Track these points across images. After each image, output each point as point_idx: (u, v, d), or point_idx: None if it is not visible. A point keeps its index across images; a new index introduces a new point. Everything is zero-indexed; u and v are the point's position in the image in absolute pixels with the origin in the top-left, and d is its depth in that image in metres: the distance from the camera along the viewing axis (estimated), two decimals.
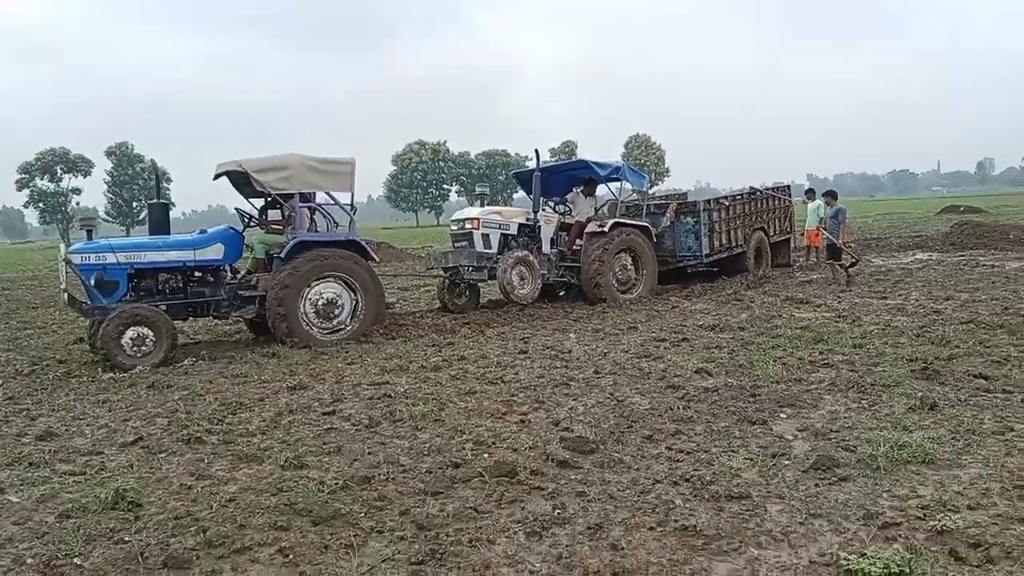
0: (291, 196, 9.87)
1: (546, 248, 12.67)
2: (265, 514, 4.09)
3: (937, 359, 6.78)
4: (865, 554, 3.23)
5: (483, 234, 12.22)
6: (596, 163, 13.32)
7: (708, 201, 14.56)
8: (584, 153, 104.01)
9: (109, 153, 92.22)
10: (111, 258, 9.06)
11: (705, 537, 3.53)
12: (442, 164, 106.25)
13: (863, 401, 5.76)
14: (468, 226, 12.38)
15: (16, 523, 4.15)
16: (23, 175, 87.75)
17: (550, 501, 4.17)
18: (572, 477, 4.52)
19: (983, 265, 14.48)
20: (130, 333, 8.51)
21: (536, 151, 13.81)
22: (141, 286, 9.41)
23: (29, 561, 3.65)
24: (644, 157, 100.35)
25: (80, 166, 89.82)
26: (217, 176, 10.43)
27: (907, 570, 3.08)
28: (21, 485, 4.77)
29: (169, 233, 9.97)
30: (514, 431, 5.40)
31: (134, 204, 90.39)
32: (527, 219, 12.60)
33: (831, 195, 15.64)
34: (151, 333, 8.60)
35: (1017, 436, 4.72)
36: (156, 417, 6.33)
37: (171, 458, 5.21)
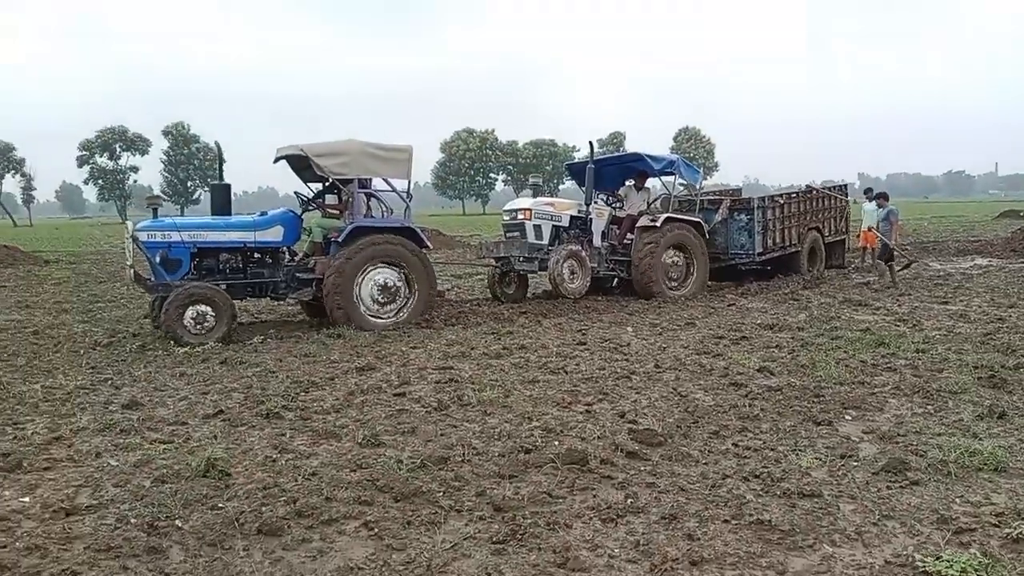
0: (350, 181, 10.04)
1: (597, 241, 12.68)
2: (349, 489, 4.29)
3: (1004, 367, 6.73)
4: (940, 557, 3.30)
5: (535, 225, 12.26)
6: (650, 156, 13.28)
7: (763, 198, 14.43)
8: (632, 145, 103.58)
9: (166, 133, 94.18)
10: (175, 237, 9.34)
11: (780, 532, 3.62)
12: (489, 152, 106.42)
13: (929, 407, 5.77)
14: (520, 216, 12.44)
15: (116, 485, 4.40)
16: (83, 152, 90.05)
17: (621, 490, 4.29)
18: (641, 468, 4.64)
19: None
20: (191, 311, 8.76)
21: (591, 143, 13.87)
22: (203, 265, 9.66)
23: (133, 521, 3.89)
24: (693, 151, 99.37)
25: (138, 144, 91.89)
26: (277, 159, 10.64)
27: (983, 572, 3.14)
28: (116, 450, 5.04)
29: (231, 214, 10.25)
30: (580, 420, 5.53)
31: (189, 184, 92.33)
32: (579, 211, 12.62)
33: (883, 196, 15.43)
34: (211, 311, 8.85)
35: None
36: (232, 392, 6.60)
37: (252, 431, 5.44)
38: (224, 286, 9.29)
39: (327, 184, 10.72)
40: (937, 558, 3.29)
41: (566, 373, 7.07)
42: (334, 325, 9.47)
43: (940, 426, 5.26)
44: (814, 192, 15.90)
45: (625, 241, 12.88)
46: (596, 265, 12.44)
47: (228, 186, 10.67)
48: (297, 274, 9.91)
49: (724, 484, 4.29)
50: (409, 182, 10.53)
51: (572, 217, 12.57)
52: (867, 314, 10.17)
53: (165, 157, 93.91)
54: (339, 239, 9.70)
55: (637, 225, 12.68)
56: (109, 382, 7.01)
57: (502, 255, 12.43)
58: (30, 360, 8.07)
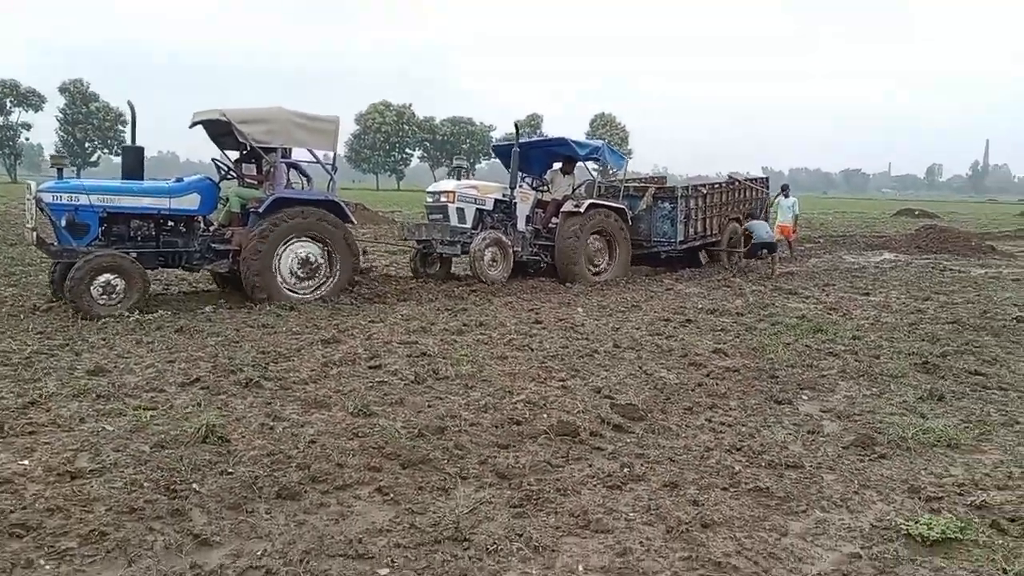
0: (272, 150, 9.72)
1: (521, 225, 12.61)
2: (356, 455, 4.39)
3: (932, 355, 7.30)
4: (919, 521, 3.66)
5: (458, 208, 12.15)
6: (576, 142, 13.33)
7: (686, 188, 14.71)
8: (549, 128, 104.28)
9: (63, 90, 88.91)
10: (84, 199, 8.78)
11: (777, 499, 3.94)
12: (406, 128, 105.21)
13: (874, 389, 6.25)
14: (443, 199, 12.30)
15: (115, 450, 4.37)
16: None
17: (614, 461, 4.53)
18: (628, 440, 4.90)
19: (950, 269, 15.23)
20: (100, 280, 8.28)
21: (516, 124, 13.64)
22: (112, 231, 9.13)
23: (147, 485, 3.89)
24: (608, 136, 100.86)
25: (31, 100, 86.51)
26: (193, 124, 10.20)
27: (960, 536, 3.51)
28: (100, 416, 4.97)
29: (143, 179, 9.69)
30: (559, 395, 5.74)
31: (87, 144, 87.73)
32: (503, 195, 12.53)
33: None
34: (122, 281, 8.41)
35: None
36: (199, 360, 6.53)
37: (235, 400, 5.44)
38: (135, 254, 8.84)
39: (245, 153, 10.37)
40: (916, 522, 3.66)
41: (531, 350, 7.27)
42: (252, 299, 9.22)
43: (889, 406, 5.73)
44: (736, 183, 16.26)
45: (550, 225, 12.89)
46: (520, 249, 12.39)
47: (141, 149, 10.07)
48: (213, 244, 9.53)
49: (711, 456, 4.59)
50: (335, 154, 10.33)
51: (496, 200, 12.48)
52: (798, 302, 10.77)
53: (61, 115, 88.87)
54: (259, 210, 9.35)
55: (561, 210, 12.71)
56: (67, 347, 6.81)
57: (424, 238, 12.30)
58: None
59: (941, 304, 10.60)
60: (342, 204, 9.99)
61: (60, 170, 9.42)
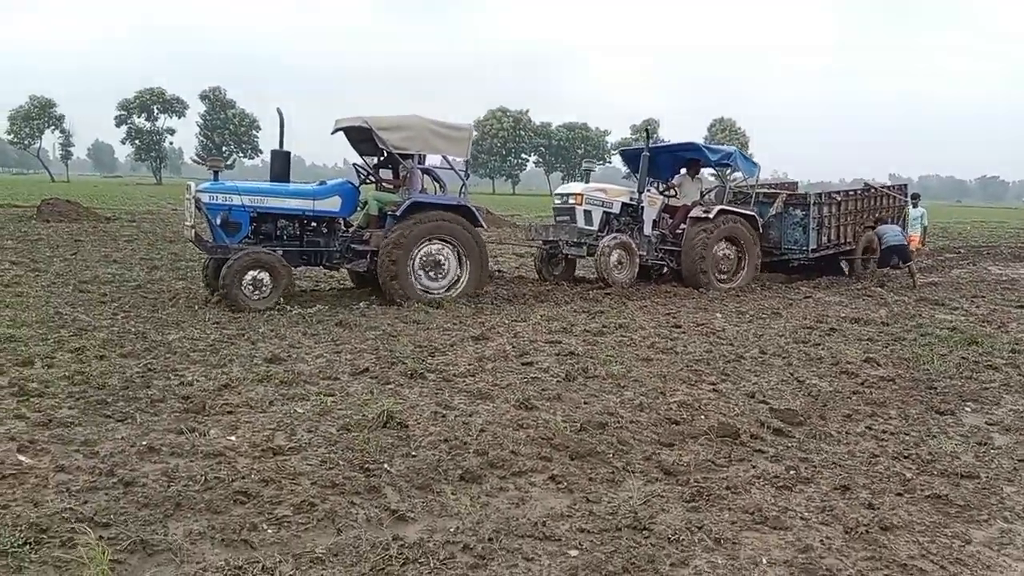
0: (409, 156, 10.13)
1: (647, 229, 12.60)
2: (526, 445, 4.62)
3: None
4: None
5: (585, 210, 12.22)
6: (707, 147, 13.22)
7: (819, 195, 14.27)
8: (665, 133, 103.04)
9: (203, 97, 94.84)
10: (237, 200, 9.39)
11: (957, 507, 3.91)
12: (523, 133, 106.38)
13: None
14: (571, 201, 12.40)
15: (308, 431, 4.76)
16: (122, 111, 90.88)
17: (778, 463, 4.58)
18: (789, 444, 4.93)
19: None
20: (251, 275, 8.85)
21: (647, 130, 13.71)
22: (262, 230, 9.74)
23: (342, 463, 4.23)
24: (727, 142, 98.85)
25: (175, 107, 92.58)
26: (335, 131, 10.70)
27: None
28: (287, 399, 5.40)
29: (289, 181, 10.27)
30: (712, 398, 5.82)
31: (224, 148, 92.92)
32: (631, 198, 12.53)
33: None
34: (269, 277, 8.96)
35: None
36: (363, 352, 6.94)
37: (403, 390, 5.78)
38: (281, 252, 9.42)
39: (383, 158, 10.83)
40: None
41: (676, 353, 7.35)
42: (387, 297, 9.61)
43: None
44: (872, 190, 15.70)
45: (677, 231, 12.84)
46: (645, 254, 12.38)
47: (288, 153, 10.59)
48: (352, 245, 10.01)
49: (878, 462, 4.57)
50: (467, 161, 10.65)
51: (623, 204, 12.49)
52: (946, 314, 10.37)
53: (201, 121, 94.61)
54: (396, 213, 9.76)
55: (690, 215, 12.59)
56: (243, 337, 7.37)
57: (551, 239, 12.44)
58: (152, 312, 8.45)
59: None
60: (473, 209, 10.32)
61: (216, 172, 10.10)
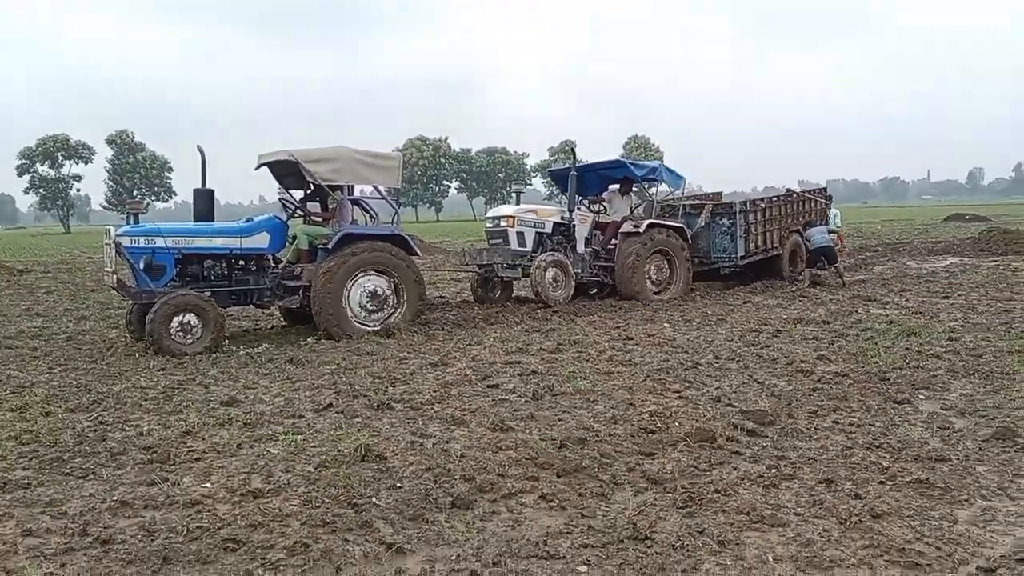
0: (338, 188, 9.98)
1: (580, 247, 12.75)
2: (511, 467, 4.58)
3: None
4: None
5: (518, 232, 12.28)
6: (633, 163, 13.50)
7: (744, 203, 14.63)
8: (583, 153, 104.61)
9: (110, 141, 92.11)
10: (160, 242, 9.10)
11: (939, 489, 4.04)
12: (443, 160, 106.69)
13: (988, 386, 6.29)
14: (503, 224, 12.45)
15: (284, 471, 4.61)
16: (24, 160, 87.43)
17: (757, 463, 4.66)
18: (764, 444, 5.02)
19: (1022, 270, 15.04)
20: (178, 319, 8.55)
21: (572, 149, 13.97)
22: (188, 272, 9.45)
23: (327, 501, 4.12)
24: (643, 158, 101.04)
25: (81, 153, 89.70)
26: (259, 166, 10.44)
27: None
28: (254, 441, 5.23)
29: (213, 220, 9.99)
30: (681, 405, 5.88)
31: (135, 193, 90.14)
32: (562, 218, 12.68)
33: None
34: (198, 320, 8.65)
35: None
36: (322, 388, 6.79)
37: (373, 422, 5.67)
38: (209, 293, 9.13)
39: (310, 191, 10.66)
40: None
41: (635, 365, 7.42)
42: (325, 333, 9.34)
43: (1011, 402, 5.77)
44: (795, 195, 16.18)
45: (609, 247, 12.99)
46: (580, 271, 12.53)
47: (211, 192, 10.32)
48: (283, 281, 9.80)
49: (853, 454, 4.70)
50: (398, 189, 10.54)
51: (555, 224, 12.64)
52: (880, 308, 10.78)
53: (110, 166, 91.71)
54: (328, 246, 9.53)
55: (620, 231, 12.81)
56: (193, 382, 7.13)
57: (485, 262, 12.45)
58: (90, 364, 8.10)
59: None
60: (407, 237, 10.14)
61: (136, 215, 9.72)
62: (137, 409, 6.18)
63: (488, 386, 6.66)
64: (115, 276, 9.04)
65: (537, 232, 12.50)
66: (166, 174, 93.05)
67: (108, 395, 6.60)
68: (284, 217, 10.35)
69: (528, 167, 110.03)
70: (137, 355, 8.53)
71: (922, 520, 3.69)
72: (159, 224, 9.73)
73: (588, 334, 9.27)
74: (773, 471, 4.47)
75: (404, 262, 9.96)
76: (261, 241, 9.72)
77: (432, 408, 6.01)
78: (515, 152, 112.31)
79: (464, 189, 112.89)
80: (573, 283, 12.22)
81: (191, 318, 8.62)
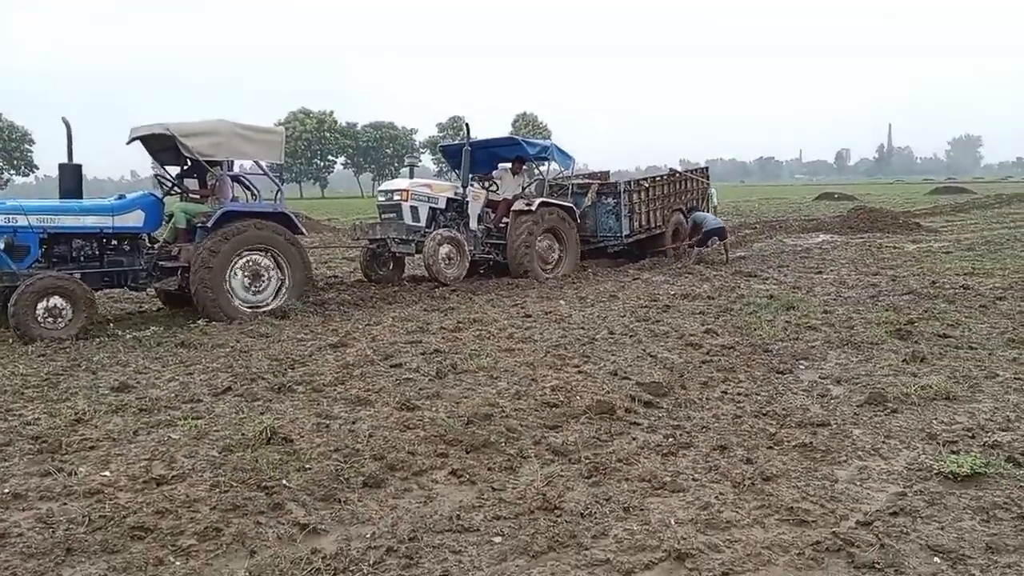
0: (217, 164, 9.61)
1: (473, 224, 12.81)
2: (420, 444, 4.64)
3: (901, 323, 7.90)
4: (946, 461, 4.13)
5: (412, 206, 12.21)
6: (526, 141, 13.65)
7: (629, 182, 15.03)
8: (476, 130, 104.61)
9: None
10: (22, 220, 8.50)
11: (820, 451, 4.37)
12: (328, 135, 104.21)
13: (860, 355, 6.79)
14: (397, 198, 12.32)
15: (187, 456, 4.51)
16: None
17: (654, 433, 4.90)
18: (660, 415, 5.28)
19: (886, 246, 16.16)
20: (44, 303, 8.06)
21: (466, 125, 13.81)
22: (54, 252, 8.88)
23: (235, 485, 4.07)
24: (531, 136, 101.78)
25: None
26: (131, 140, 9.92)
27: (986, 471, 3.99)
28: (151, 427, 5.08)
29: (82, 197, 9.43)
30: (580, 379, 6.08)
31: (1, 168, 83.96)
32: (456, 194, 12.70)
33: None
34: (67, 304, 8.18)
35: (1007, 380, 5.81)
36: (217, 371, 6.63)
37: (275, 405, 5.60)
38: (79, 275, 8.60)
39: (187, 167, 10.17)
40: (943, 462, 4.12)
41: (534, 342, 7.59)
42: (205, 316, 8.99)
43: (880, 369, 6.25)
44: (677, 175, 16.70)
45: (501, 225, 13.09)
46: (472, 248, 12.57)
47: (79, 167, 9.71)
48: (160, 262, 9.33)
49: (743, 421, 5.00)
50: (281, 165, 10.24)
51: (448, 200, 12.65)
52: (760, 283, 11.38)
53: None
54: (208, 224, 9.16)
55: (512, 209, 12.95)
56: (79, 367, 6.82)
57: (377, 237, 12.29)
58: None
59: (891, 278, 11.35)
60: (291, 215, 9.86)
61: None
62: (19, 398, 5.87)
63: (391, 366, 6.68)
64: None
65: (431, 207, 12.46)
66: (26, 146, 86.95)
67: None
68: (159, 194, 9.82)
69: (416, 143, 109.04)
70: (11, 341, 8.06)
71: (807, 481, 4.00)
72: (21, 201, 9.05)
73: (487, 312, 9.38)
74: (670, 440, 4.71)
75: (289, 241, 9.69)
76: (135, 219, 9.21)
77: (335, 389, 5.98)
78: (403, 127, 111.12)
79: (350, 165, 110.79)
80: (468, 261, 12.25)
81: (58, 301, 8.11)
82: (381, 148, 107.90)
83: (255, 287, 9.45)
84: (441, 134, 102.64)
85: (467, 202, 12.76)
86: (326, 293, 11.15)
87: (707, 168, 18.53)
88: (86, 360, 7.12)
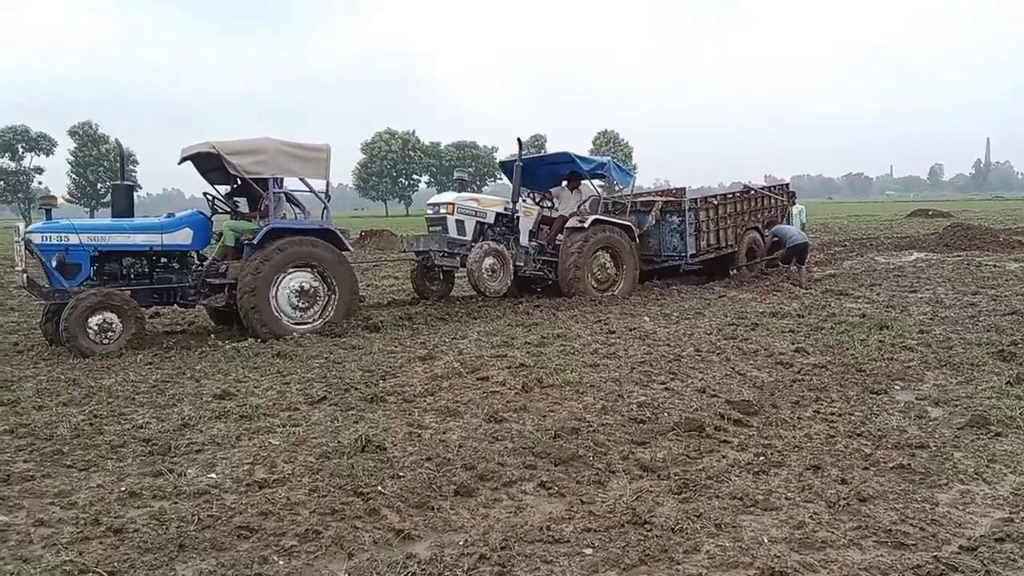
0: (264, 181, 9.62)
1: (524, 240, 12.53)
2: (509, 456, 4.71)
3: (1004, 344, 7.58)
4: None
5: (457, 220, 12.00)
6: (581, 157, 13.14)
7: (695, 200, 14.37)
8: (553, 148, 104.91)
9: (72, 133, 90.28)
10: (74, 239, 8.76)
11: (920, 474, 4.25)
12: (412, 154, 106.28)
13: (960, 377, 6.55)
14: (443, 211, 12.13)
15: (286, 462, 4.71)
16: None
17: (744, 451, 4.85)
18: (750, 433, 5.21)
19: (986, 265, 15.49)
20: (96, 319, 8.30)
21: (519, 140, 13.49)
22: (105, 270, 9.12)
23: (333, 490, 4.22)
24: (612, 153, 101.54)
25: (42, 144, 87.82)
26: (183, 160, 10.09)
27: None
28: (252, 433, 5.31)
29: (133, 215, 9.72)
30: (667, 396, 6.06)
31: (99, 185, 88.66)
32: (505, 208, 12.47)
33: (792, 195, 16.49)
34: (117, 319, 8.43)
35: None
36: (313, 381, 6.86)
37: (368, 414, 5.76)
38: (128, 292, 8.81)
39: (236, 185, 10.31)
40: None
41: (618, 358, 7.59)
42: (251, 333, 9.06)
43: (981, 392, 6.01)
44: (752, 192, 15.88)
45: (556, 242, 12.72)
46: (523, 264, 12.34)
47: (131, 186, 9.99)
48: (208, 279, 9.45)
49: (836, 442, 4.90)
50: (327, 183, 10.17)
51: (498, 214, 12.40)
52: (852, 302, 11.07)
53: (72, 158, 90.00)
54: (254, 241, 9.23)
55: (566, 226, 12.62)
56: (184, 376, 7.16)
57: (422, 249, 12.14)
58: (74, 358, 8.06)
59: (992, 297, 10.89)
60: (337, 232, 9.87)
61: (48, 211, 9.38)
62: (130, 403, 6.22)
63: (478, 379, 6.78)
64: (24, 275, 8.64)
65: (478, 221, 12.21)
66: (130, 167, 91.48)
67: (99, 389, 6.62)
68: (208, 213, 9.99)
69: (497, 161, 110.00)
70: (123, 349, 8.50)
71: (906, 503, 3.90)
72: (73, 220, 9.28)
73: (571, 328, 9.42)
74: (761, 458, 4.65)
75: (335, 257, 9.72)
76: (183, 237, 9.41)
77: (425, 400, 6.12)
78: (484, 146, 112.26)
79: (434, 183, 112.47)
80: (512, 273, 11.98)
81: (108, 316, 8.38)
82: (464, 166, 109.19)
83: (301, 304, 9.47)
84: (523, 152, 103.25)
85: (518, 217, 12.55)
86: (414, 307, 11.37)
87: (788, 184, 17.68)
88: (190, 368, 7.47)
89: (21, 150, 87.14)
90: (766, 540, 3.53)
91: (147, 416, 5.82)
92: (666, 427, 5.24)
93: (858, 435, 5.02)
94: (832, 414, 5.56)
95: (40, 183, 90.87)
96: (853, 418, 5.43)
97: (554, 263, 12.63)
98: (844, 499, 3.93)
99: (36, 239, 8.64)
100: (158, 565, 3.40)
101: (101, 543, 3.62)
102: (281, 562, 3.47)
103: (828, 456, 4.62)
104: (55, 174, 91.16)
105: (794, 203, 17.22)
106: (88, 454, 4.91)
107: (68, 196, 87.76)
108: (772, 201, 16.09)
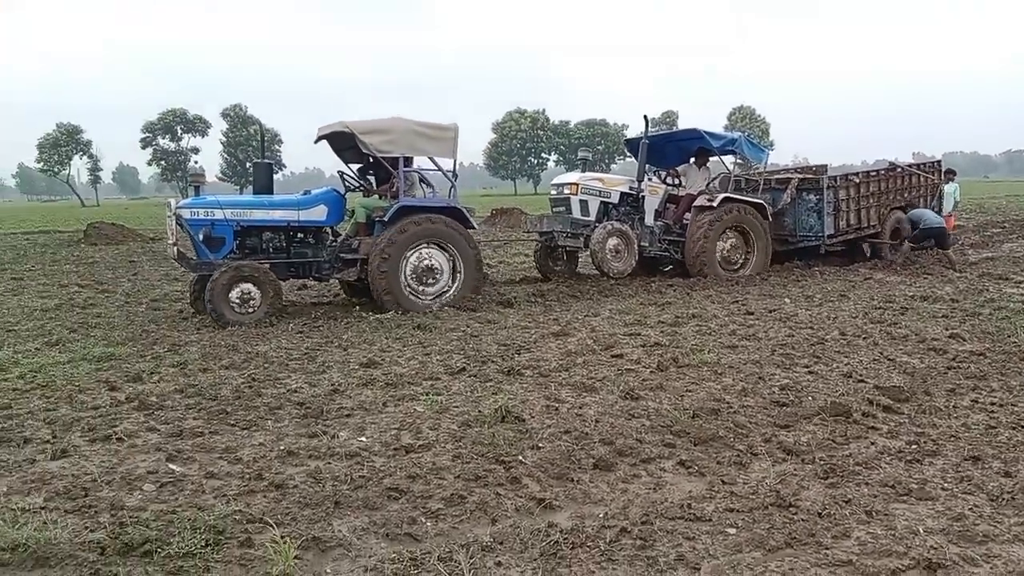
0: (395, 160, 9.80)
1: (649, 220, 12.29)
2: (648, 433, 4.72)
3: None
4: None
5: (581, 200, 11.88)
6: (710, 133, 12.66)
7: (834, 178, 13.51)
8: (685, 124, 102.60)
9: (224, 115, 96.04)
10: (219, 214, 9.24)
11: None
12: (541, 133, 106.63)
13: None
14: (567, 191, 12.04)
15: (431, 429, 4.89)
16: (147, 134, 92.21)
17: (895, 439, 4.64)
18: (901, 420, 4.98)
19: None
20: (237, 290, 8.72)
21: (645, 117, 12.98)
22: (246, 243, 9.60)
23: (476, 457, 4.36)
24: (748, 130, 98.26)
25: (198, 126, 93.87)
26: (319, 139, 10.43)
27: None
28: (397, 400, 5.54)
29: (272, 192, 10.14)
30: (811, 380, 5.88)
31: (248, 164, 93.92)
32: (630, 188, 12.24)
33: (951, 172, 15.13)
34: (257, 290, 8.84)
35: None
36: (452, 353, 7.07)
37: (506, 386, 5.89)
38: (268, 265, 9.22)
39: (368, 164, 10.65)
40: None
41: (758, 340, 7.41)
42: (380, 306, 9.40)
43: None
44: (898, 170, 14.81)
45: (684, 221, 12.42)
46: (648, 245, 12.08)
47: (270, 164, 10.36)
48: (341, 254, 9.80)
49: (998, 433, 4.62)
50: (455, 161, 10.33)
51: (623, 194, 12.19)
52: (1013, 287, 10.34)
53: (224, 139, 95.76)
54: (384, 218, 9.54)
55: (693, 205, 12.24)
56: (332, 344, 7.54)
57: (546, 230, 12.10)
58: (234, 325, 8.63)
59: None
60: (464, 210, 10.06)
61: (197, 188, 9.87)
62: (284, 368, 6.61)
63: (612, 356, 6.80)
64: (176, 248, 9.12)
65: (602, 201, 12.06)
66: (275, 147, 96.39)
67: (256, 355, 7.07)
68: (341, 190, 10.34)
69: (624, 139, 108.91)
70: (272, 318, 9.00)
71: None
72: (218, 196, 9.83)
73: (706, 308, 9.26)
74: (914, 447, 4.45)
75: (461, 235, 9.91)
76: (319, 214, 9.80)
77: (560, 375, 6.19)
78: (615, 123, 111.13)
79: (562, 161, 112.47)
80: (636, 254, 11.75)
81: (250, 288, 8.81)
82: (593, 145, 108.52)
83: (429, 279, 9.73)
84: (654, 129, 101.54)
85: (643, 196, 12.29)
86: (545, 285, 11.47)
87: (939, 162, 16.18)
88: (337, 338, 7.85)
89: (179, 131, 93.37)
90: (921, 530, 3.38)
91: (300, 381, 6.17)
92: (810, 411, 5.09)
93: (1023, 427, 4.71)
94: (992, 404, 5.24)
95: (196, 163, 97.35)
96: (1017, 409, 5.10)
97: (680, 243, 12.33)
98: (1008, 492, 3.71)
99: (185, 214, 9.19)
100: (316, 520, 3.63)
101: (264, 496, 3.89)
102: (429, 524, 3.62)
103: (989, 447, 4.37)
104: (210, 154, 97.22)
105: (950, 180, 16.08)
106: (249, 414, 5.27)
107: (220, 175, 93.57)
108: (920, 179, 14.94)
